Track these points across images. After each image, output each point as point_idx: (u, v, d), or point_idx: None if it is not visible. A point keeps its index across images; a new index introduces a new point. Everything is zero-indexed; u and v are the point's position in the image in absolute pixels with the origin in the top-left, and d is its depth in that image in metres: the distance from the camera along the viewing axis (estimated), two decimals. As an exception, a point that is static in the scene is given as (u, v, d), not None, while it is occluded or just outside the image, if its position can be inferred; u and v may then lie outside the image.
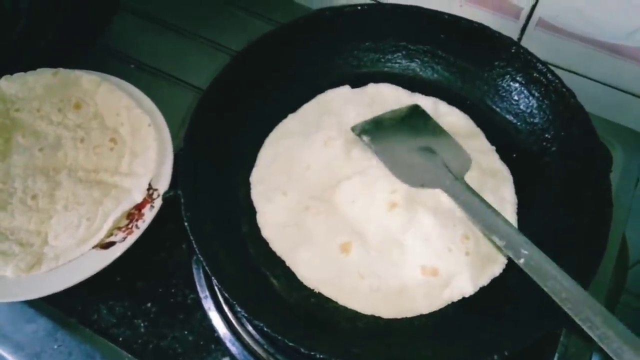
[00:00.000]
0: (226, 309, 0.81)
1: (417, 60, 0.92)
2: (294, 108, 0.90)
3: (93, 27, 1.10)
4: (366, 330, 0.70)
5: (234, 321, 0.80)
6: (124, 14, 1.13)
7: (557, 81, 0.81)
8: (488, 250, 0.74)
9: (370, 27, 0.90)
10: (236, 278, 0.72)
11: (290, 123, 0.88)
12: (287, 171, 0.82)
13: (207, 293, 0.83)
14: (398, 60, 0.92)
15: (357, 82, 0.91)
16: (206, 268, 0.68)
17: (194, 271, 0.85)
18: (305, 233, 0.76)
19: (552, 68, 0.82)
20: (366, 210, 0.76)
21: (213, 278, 0.68)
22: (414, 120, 0.85)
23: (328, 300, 0.73)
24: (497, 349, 0.62)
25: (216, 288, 0.83)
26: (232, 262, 0.74)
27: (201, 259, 0.69)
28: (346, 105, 0.87)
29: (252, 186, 0.82)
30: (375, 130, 0.83)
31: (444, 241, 0.73)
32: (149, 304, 0.83)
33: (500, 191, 0.79)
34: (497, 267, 0.74)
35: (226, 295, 0.67)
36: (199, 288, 0.84)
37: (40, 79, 0.96)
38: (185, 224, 0.71)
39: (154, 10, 1.14)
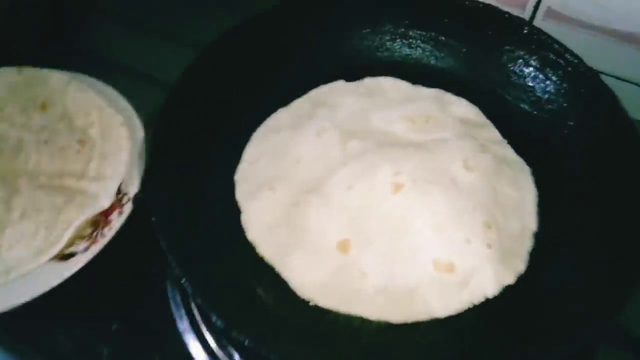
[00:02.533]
0: (205, 331, 0.70)
1: (418, 48, 0.83)
2: (285, 104, 0.80)
3: (67, 28, 1.02)
4: (371, 344, 0.59)
5: (213, 345, 0.69)
6: (99, 15, 1.07)
7: (577, 61, 0.73)
8: (510, 243, 0.63)
9: (366, 12, 0.82)
10: (216, 288, 0.60)
11: (280, 117, 0.78)
12: (275, 166, 0.72)
13: (183, 312, 0.71)
14: (398, 49, 0.83)
15: (353, 75, 0.82)
16: (179, 277, 0.57)
17: (168, 287, 0.73)
18: (296, 233, 0.65)
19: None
20: (366, 196, 0.65)
21: (187, 287, 0.57)
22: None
23: (325, 310, 0.62)
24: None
25: (193, 305, 0.71)
26: (212, 270, 0.63)
27: (174, 266, 0.58)
28: (342, 97, 0.78)
29: (236, 185, 0.72)
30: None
31: (462, 230, 0.62)
32: (114, 326, 0.72)
33: (518, 180, 0.69)
34: (520, 262, 0.63)
35: (203, 304, 0.56)
36: (173, 306, 0.72)
37: (3, 78, 0.87)
38: (154, 228, 0.60)
39: (131, 10, 1.08)
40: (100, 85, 0.89)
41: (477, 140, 0.71)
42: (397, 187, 0.64)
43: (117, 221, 0.74)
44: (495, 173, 0.67)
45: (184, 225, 0.65)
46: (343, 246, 0.63)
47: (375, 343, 0.59)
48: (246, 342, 0.53)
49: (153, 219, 0.61)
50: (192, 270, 0.58)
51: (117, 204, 0.76)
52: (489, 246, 0.62)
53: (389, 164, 0.66)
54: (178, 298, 0.73)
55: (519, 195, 0.67)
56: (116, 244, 0.73)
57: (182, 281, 0.56)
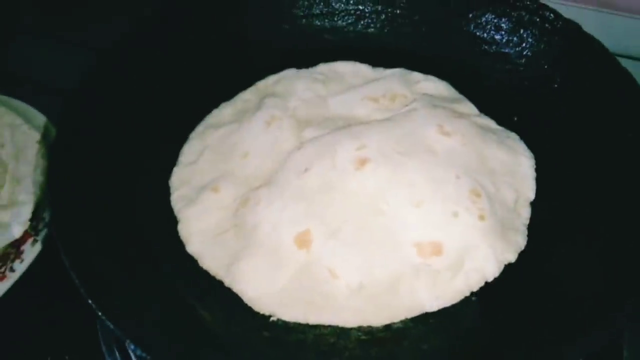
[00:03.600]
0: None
1: (375, 26, 0.73)
2: (228, 97, 0.69)
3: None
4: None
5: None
6: (16, 32, 0.96)
7: (553, 16, 0.64)
8: (505, 213, 0.52)
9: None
10: (150, 323, 0.47)
11: (223, 113, 0.67)
12: (218, 165, 0.60)
13: (117, 354, 0.57)
14: (351, 29, 0.74)
15: (304, 62, 0.72)
16: (100, 316, 0.44)
17: (99, 331, 0.59)
18: (245, 235, 0.52)
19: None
20: (325, 177, 0.53)
21: (116, 331, 0.43)
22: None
23: (289, 328, 0.48)
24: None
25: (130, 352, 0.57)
26: (143, 302, 0.49)
27: (91, 304, 0.45)
28: (293, 85, 0.67)
29: (171, 190, 0.59)
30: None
31: (446, 202, 0.51)
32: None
33: (507, 143, 0.58)
34: (519, 236, 0.52)
35: (136, 346, 0.42)
36: (104, 347, 0.58)
37: None
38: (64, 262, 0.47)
39: (50, 26, 0.99)
40: (15, 102, 0.78)
41: (452, 110, 0.60)
42: (362, 162, 0.53)
43: (30, 252, 0.62)
44: (479, 136, 0.57)
45: (106, 250, 0.52)
46: (302, 240, 0.50)
47: (359, 359, 0.46)
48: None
49: (63, 253, 0.48)
50: (115, 306, 0.46)
51: (31, 232, 0.64)
52: (481, 218, 0.50)
53: (349, 139, 0.55)
54: (110, 336, 0.58)
55: (511, 159, 0.57)
56: (31, 278, 0.60)
57: (108, 324, 0.43)
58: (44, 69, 0.92)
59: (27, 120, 0.74)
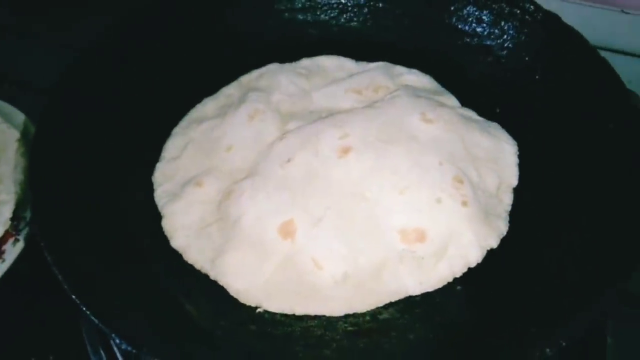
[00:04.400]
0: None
1: (358, 20, 0.74)
2: (211, 93, 0.69)
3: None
4: (340, 354, 0.45)
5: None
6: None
7: (533, 7, 0.65)
8: (487, 199, 0.53)
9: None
10: (137, 315, 0.47)
11: (205, 107, 0.66)
12: (201, 159, 0.59)
13: (102, 353, 0.56)
14: (334, 22, 0.74)
15: (288, 56, 0.72)
16: (85, 312, 0.43)
17: (84, 329, 0.58)
18: (229, 228, 0.52)
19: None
20: (308, 166, 0.53)
21: (103, 328, 0.43)
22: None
23: (276, 322, 0.48)
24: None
25: (113, 343, 0.56)
26: (128, 298, 0.49)
27: (75, 299, 0.44)
28: (277, 79, 0.67)
29: (155, 186, 0.59)
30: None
31: (429, 188, 0.51)
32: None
33: (490, 130, 0.58)
34: (501, 221, 0.53)
35: (124, 342, 0.42)
36: (89, 346, 0.57)
37: None
38: (48, 260, 0.47)
39: (29, 24, 0.97)
40: (-7, 101, 0.76)
41: (434, 100, 0.61)
42: (345, 151, 0.53)
43: (11, 252, 0.61)
44: (461, 123, 0.57)
45: (90, 247, 0.51)
46: (286, 230, 0.50)
47: (346, 350, 0.46)
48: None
49: (44, 245, 0.48)
50: (100, 301, 0.45)
51: (12, 231, 0.62)
52: (464, 204, 0.51)
53: (332, 128, 0.55)
54: (95, 337, 0.58)
55: (494, 146, 0.57)
56: (15, 276, 0.59)
57: (92, 319, 0.43)
58: (23, 68, 0.91)
59: (6, 119, 0.73)
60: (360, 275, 0.48)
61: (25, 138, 0.71)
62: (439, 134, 0.56)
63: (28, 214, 0.64)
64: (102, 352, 0.57)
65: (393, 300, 0.49)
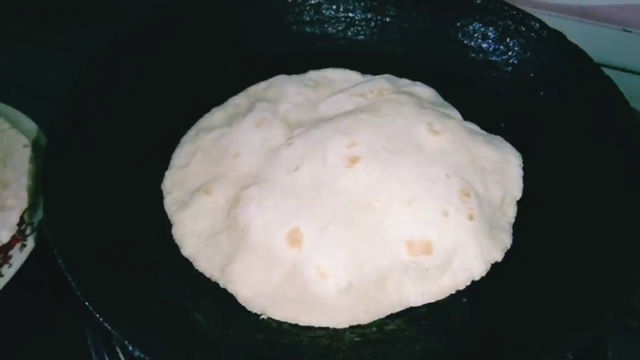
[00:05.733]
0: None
1: (365, 33, 0.75)
2: (219, 103, 0.69)
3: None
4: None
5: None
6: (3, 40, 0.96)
7: (539, 25, 0.66)
8: (492, 212, 0.53)
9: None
10: (148, 322, 0.47)
11: (214, 117, 0.67)
12: (210, 167, 0.60)
13: (107, 360, 0.56)
14: (341, 37, 0.75)
15: (294, 69, 0.72)
16: (98, 320, 0.43)
17: (88, 331, 0.58)
18: (239, 235, 0.52)
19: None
20: (316, 175, 0.54)
21: (114, 333, 0.43)
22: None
23: (283, 330, 0.49)
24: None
25: (119, 351, 0.56)
26: (139, 302, 0.49)
27: (89, 307, 0.44)
28: (284, 90, 0.68)
29: (164, 194, 0.59)
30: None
31: (436, 201, 0.52)
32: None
33: (495, 143, 0.59)
34: (505, 234, 0.53)
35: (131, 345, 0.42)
36: (94, 354, 0.57)
37: None
38: (60, 264, 0.47)
39: (34, 31, 0.98)
40: (1, 106, 0.77)
41: (440, 112, 0.62)
42: (353, 160, 0.53)
43: (18, 257, 0.62)
44: (468, 135, 0.58)
45: (101, 254, 0.51)
46: (293, 238, 0.50)
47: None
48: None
49: (56, 252, 0.48)
50: (112, 307, 0.45)
51: (19, 236, 0.63)
52: (471, 217, 0.51)
53: (340, 135, 0.56)
54: (100, 345, 0.58)
55: (500, 158, 0.58)
56: (21, 282, 0.60)
57: (105, 324, 0.43)
58: (30, 74, 0.91)
59: (14, 124, 0.73)
60: (364, 284, 0.49)
61: (33, 144, 0.72)
62: (446, 146, 0.56)
63: (35, 220, 0.65)
64: (107, 359, 0.58)
65: (395, 312, 0.49)
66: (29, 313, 0.62)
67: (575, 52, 0.63)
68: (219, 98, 0.69)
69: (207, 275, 0.52)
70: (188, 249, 0.54)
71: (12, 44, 0.96)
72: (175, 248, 0.55)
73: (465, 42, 0.71)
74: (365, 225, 0.51)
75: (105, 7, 1.02)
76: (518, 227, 0.56)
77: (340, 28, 0.75)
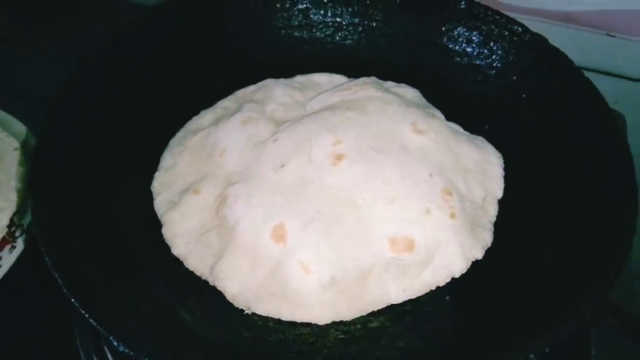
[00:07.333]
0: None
1: (352, 38, 0.76)
2: (208, 106, 0.70)
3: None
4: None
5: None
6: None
7: (521, 29, 0.67)
8: (473, 210, 0.54)
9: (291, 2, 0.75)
10: (134, 319, 0.48)
11: (202, 118, 0.68)
12: (197, 166, 0.61)
13: (96, 360, 0.57)
14: (329, 40, 0.76)
15: (284, 72, 0.73)
16: (84, 315, 0.44)
17: (76, 331, 0.59)
18: (227, 233, 0.53)
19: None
20: (301, 172, 0.54)
21: (104, 335, 0.44)
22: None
23: (269, 328, 0.50)
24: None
25: (108, 352, 0.57)
26: (127, 301, 0.50)
27: (75, 303, 0.45)
28: (272, 91, 0.69)
29: (154, 195, 0.60)
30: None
31: (419, 200, 0.52)
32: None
33: (477, 143, 0.61)
34: (486, 233, 0.54)
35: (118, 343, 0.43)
36: (83, 355, 0.57)
37: None
38: (49, 265, 0.48)
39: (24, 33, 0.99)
40: (-9, 110, 0.77)
41: (424, 111, 0.63)
42: (338, 158, 0.54)
43: (8, 259, 0.62)
44: (451, 135, 0.59)
45: (90, 254, 0.52)
46: (278, 234, 0.51)
47: (337, 357, 0.47)
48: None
49: (43, 250, 0.49)
50: (100, 306, 0.46)
51: (9, 238, 0.63)
52: (452, 215, 0.52)
53: (325, 132, 0.57)
54: (89, 345, 0.58)
55: (482, 158, 0.59)
56: (10, 284, 0.60)
57: (93, 324, 0.44)
58: (21, 77, 0.92)
59: (4, 127, 0.74)
60: (347, 280, 0.50)
61: (23, 147, 0.72)
62: (429, 145, 0.57)
63: (25, 222, 0.65)
64: (95, 359, 0.58)
65: (377, 309, 0.50)
66: (18, 315, 0.62)
67: (557, 55, 0.64)
68: (209, 101, 0.70)
69: (198, 273, 0.53)
70: (178, 249, 0.55)
71: (2, 47, 0.97)
72: (164, 247, 0.56)
73: (450, 46, 0.73)
74: (349, 222, 0.52)
75: (96, 10, 1.03)
76: (499, 226, 0.57)
77: (328, 32, 0.76)
